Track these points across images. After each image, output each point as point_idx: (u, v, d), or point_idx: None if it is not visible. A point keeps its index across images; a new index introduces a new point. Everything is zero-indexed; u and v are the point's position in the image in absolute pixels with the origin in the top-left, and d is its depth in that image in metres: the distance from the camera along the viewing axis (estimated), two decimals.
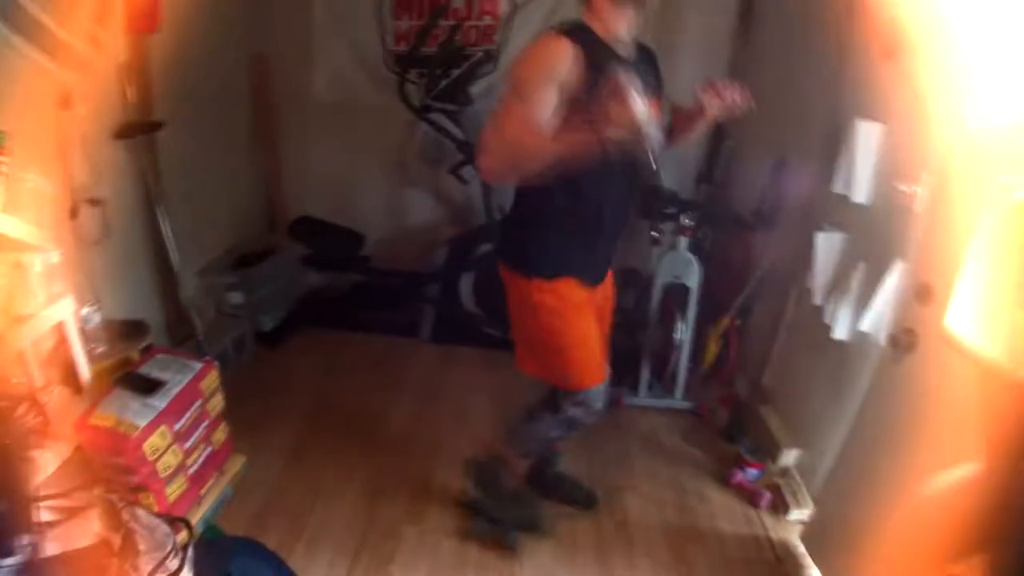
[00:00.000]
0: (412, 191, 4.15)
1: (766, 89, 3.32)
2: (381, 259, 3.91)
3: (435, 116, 3.45)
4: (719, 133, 3.66)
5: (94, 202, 2.51)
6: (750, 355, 3.27)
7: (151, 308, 3.01)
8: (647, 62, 1.94)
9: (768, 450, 2.78)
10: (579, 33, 1.73)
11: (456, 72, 3.35)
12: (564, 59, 1.68)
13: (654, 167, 1.60)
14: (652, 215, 3.11)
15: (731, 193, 3.64)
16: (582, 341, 1.99)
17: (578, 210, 1.89)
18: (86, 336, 2.26)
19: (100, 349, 2.35)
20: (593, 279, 2.04)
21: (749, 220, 3.20)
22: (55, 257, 2.03)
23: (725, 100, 1.86)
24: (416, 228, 4.18)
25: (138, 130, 2.71)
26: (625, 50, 1.82)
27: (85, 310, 2.28)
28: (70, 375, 2.23)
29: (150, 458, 1.97)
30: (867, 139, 2.26)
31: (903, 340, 1.82)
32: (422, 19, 3.67)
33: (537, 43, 1.75)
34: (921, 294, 1.78)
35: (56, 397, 2.12)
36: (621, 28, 1.80)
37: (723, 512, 2.59)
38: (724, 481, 2.74)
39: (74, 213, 2.41)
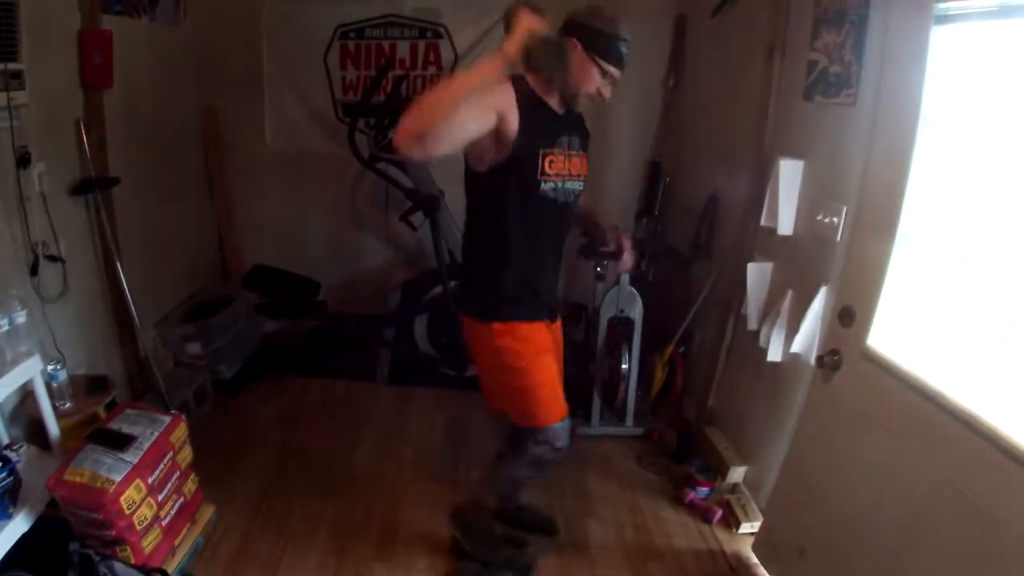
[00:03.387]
0: (364, 237, 4.23)
1: (698, 127, 3.58)
2: (336, 304, 3.95)
3: (382, 166, 3.53)
4: (656, 170, 3.86)
5: (53, 258, 2.52)
6: (695, 379, 3.40)
7: (111, 362, 3.00)
8: (575, 121, 2.07)
9: (717, 468, 2.91)
10: (518, 80, 1.88)
11: None
12: (506, 95, 1.81)
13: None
14: (594, 254, 3.24)
15: (669, 226, 3.81)
16: (544, 380, 2.07)
17: (526, 254, 2.00)
18: (52, 393, 2.26)
19: (66, 405, 2.35)
20: (547, 316, 2.17)
21: (687, 253, 3.38)
22: (21, 316, 2.05)
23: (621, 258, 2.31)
24: (369, 273, 4.25)
25: (95, 186, 2.72)
26: (557, 107, 1.97)
27: (50, 367, 2.29)
28: (37, 432, 2.24)
29: (127, 512, 1.97)
30: (789, 175, 2.42)
31: (829, 360, 1.98)
32: (368, 70, 3.81)
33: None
34: (843, 317, 1.95)
35: (25, 455, 2.12)
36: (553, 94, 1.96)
37: (679, 530, 2.70)
38: (678, 500, 2.86)
39: (34, 270, 2.42)
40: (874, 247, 1.86)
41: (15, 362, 2.00)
